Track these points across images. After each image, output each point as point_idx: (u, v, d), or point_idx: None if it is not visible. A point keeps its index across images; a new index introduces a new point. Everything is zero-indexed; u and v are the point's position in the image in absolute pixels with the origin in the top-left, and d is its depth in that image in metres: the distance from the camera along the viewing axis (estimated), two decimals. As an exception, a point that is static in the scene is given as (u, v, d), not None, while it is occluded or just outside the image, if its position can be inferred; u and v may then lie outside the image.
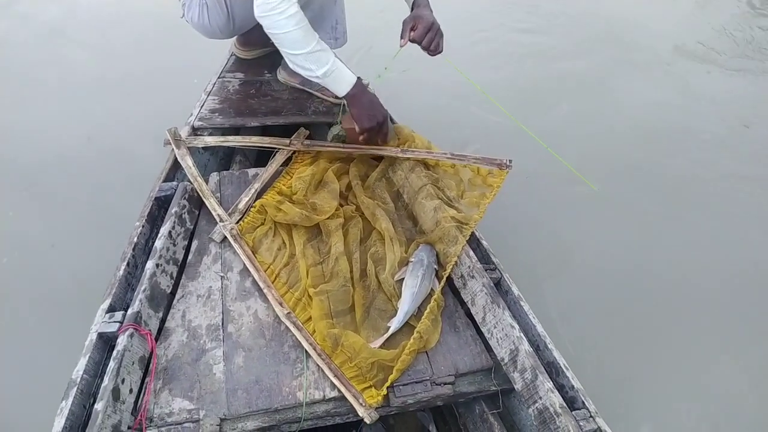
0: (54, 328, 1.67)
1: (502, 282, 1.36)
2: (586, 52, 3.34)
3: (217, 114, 1.81)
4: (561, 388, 1.13)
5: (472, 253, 1.38)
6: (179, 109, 1.96)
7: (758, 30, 3.73)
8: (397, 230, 1.49)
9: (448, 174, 1.60)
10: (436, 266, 1.41)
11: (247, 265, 1.37)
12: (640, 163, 2.57)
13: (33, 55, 2.96)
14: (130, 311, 1.17)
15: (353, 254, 1.43)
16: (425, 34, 1.43)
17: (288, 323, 1.26)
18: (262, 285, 1.33)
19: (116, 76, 2.81)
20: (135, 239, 1.37)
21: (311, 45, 1.40)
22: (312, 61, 1.41)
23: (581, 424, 1.04)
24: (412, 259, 1.39)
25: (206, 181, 1.56)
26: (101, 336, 1.14)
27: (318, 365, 1.20)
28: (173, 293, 1.33)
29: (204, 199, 1.51)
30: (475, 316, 1.32)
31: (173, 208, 1.43)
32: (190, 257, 1.42)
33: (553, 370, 1.17)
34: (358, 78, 1.50)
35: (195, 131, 1.74)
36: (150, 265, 1.28)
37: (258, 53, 2.12)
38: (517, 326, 1.20)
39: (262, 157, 1.86)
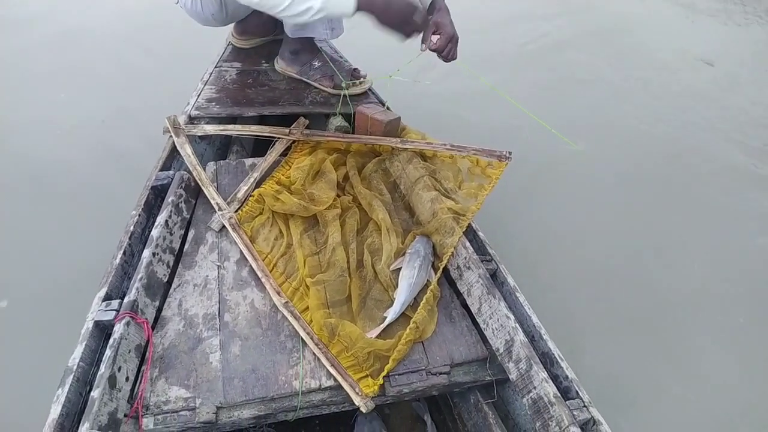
0: (50, 315, 1.67)
1: (498, 273, 1.37)
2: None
3: (213, 103, 1.80)
4: (555, 378, 1.14)
5: (468, 244, 1.39)
6: (172, 99, 1.96)
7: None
8: (393, 221, 1.50)
9: (445, 165, 1.60)
10: (432, 257, 1.41)
11: (246, 254, 1.37)
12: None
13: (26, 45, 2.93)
14: (126, 300, 1.17)
15: (350, 244, 1.43)
16: (446, 46, 1.48)
17: (285, 312, 1.26)
18: (260, 274, 1.33)
19: (107, 66, 2.79)
20: (131, 228, 1.37)
21: None
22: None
23: (575, 413, 1.05)
24: (409, 250, 1.40)
25: (204, 170, 1.56)
26: (97, 324, 1.14)
27: (314, 354, 1.20)
28: (170, 282, 1.33)
29: (203, 188, 1.50)
30: (470, 307, 1.33)
31: (170, 197, 1.42)
32: (186, 246, 1.42)
33: (547, 361, 1.18)
34: None
35: (191, 120, 1.74)
36: (146, 253, 1.28)
37: (255, 42, 2.11)
38: (512, 317, 1.21)
39: (259, 147, 1.86)
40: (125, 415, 1.06)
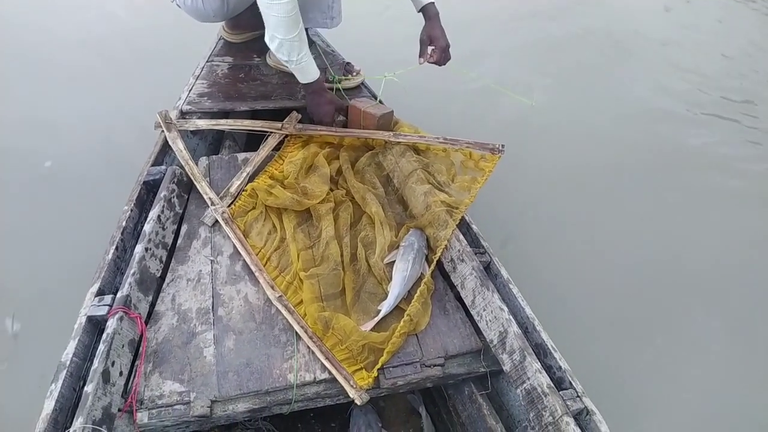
0: (42, 310, 1.66)
1: (491, 265, 1.37)
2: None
3: (205, 98, 1.79)
4: (549, 369, 1.15)
5: (462, 237, 1.39)
6: (163, 94, 1.94)
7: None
8: (387, 214, 1.50)
9: (438, 158, 1.61)
10: (426, 250, 1.42)
11: (239, 249, 1.37)
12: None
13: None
14: (119, 294, 1.17)
15: (343, 238, 1.44)
16: (441, 57, 1.64)
17: (279, 306, 1.26)
18: (253, 268, 1.33)
19: (96, 61, 2.76)
20: (123, 223, 1.36)
21: (293, 34, 1.44)
22: (288, 48, 1.47)
23: (568, 403, 1.06)
24: (403, 243, 1.40)
25: (196, 165, 1.55)
26: (90, 319, 1.13)
27: (309, 348, 1.20)
28: (163, 277, 1.33)
29: (195, 183, 1.50)
30: (464, 299, 1.33)
31: (162, 192, 1.42)
32: (179, 241, 1.41)
33: (541, 352, 1.18)
34: (320, 75, 1.61)
35: (183, 115, 1.72)
36: (139, 248, 1.27)
37: (247, 37, 2.09)
38: (506, 309, 1.22)
39: (251, 142, 1.85)
40: (119, 410, 1.05)
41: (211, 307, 1.27)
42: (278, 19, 1.39)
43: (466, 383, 1.32)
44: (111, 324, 1.10)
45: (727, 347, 1.88)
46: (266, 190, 1.47)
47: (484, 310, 1.26)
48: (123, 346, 1.11)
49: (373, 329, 1.24)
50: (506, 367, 1.19)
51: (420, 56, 1.67)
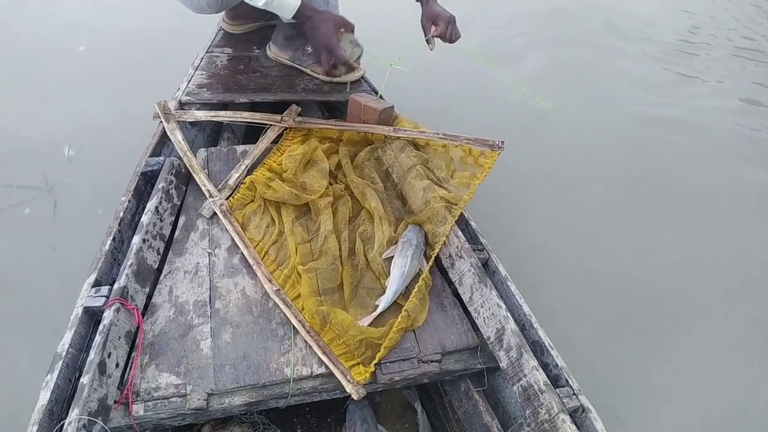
0: (38, 301, 1.65)
1: (489, 262, 1.37)
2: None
3: (204, 89, 1.77)
4: (545, 366, 1.15)
5: (460, 233, 1.39)
6: (162, 84, 1.93)
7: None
8: (386, 209, 1.49)
9: (438, 154, 1.60)
10: (424, 246, 1.41)
11: (237, 242, 1.36)
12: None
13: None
14: (116, 286, 1.16)
15: (342, 233, 1.43)
16: (447, 29, 1.61)
17: (277, 300, 1.25)
18: (251, 261, 1.32)
19: (93, 50, 2.74)
20: (121, 214, 1.35)
21: None
22: None
23: (565, 401, 1.06)
24: (401, 239, 1.40)
25: (194, 157, 1.54)
26: (87, 310, 1.13)
27: (306, 342, 1.20)
28: (160, 269, 1.32)
29: (193, 174, 1.49)
30: (462, 296, 1.33)
31: (160, 183, 1.41)
32: (177, 233, 1.40)
33: (537, 349, 1.19)
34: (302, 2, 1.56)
35: (182, 106, 1.71)
36: (136, 240, 1.27)
37: (247, 28, 2.08)
38: (503, 305, 1.22)
39: (250, 134, 1.84)
40: (115, 402, 1.05)
41: (208, 300, 1.27)
42: None
43: (462, 379, 1.33)
44: (107, 315, 1.10)
45: (727, 347, 1.89)
46: (265, 183, 1.46)
47: (482, 306, 1.26)
48: (119, 338, 1.11)
49: (370, 324, 1.24)
50: (503, 364, 1.19)
51: (425, 36, 1.64)
